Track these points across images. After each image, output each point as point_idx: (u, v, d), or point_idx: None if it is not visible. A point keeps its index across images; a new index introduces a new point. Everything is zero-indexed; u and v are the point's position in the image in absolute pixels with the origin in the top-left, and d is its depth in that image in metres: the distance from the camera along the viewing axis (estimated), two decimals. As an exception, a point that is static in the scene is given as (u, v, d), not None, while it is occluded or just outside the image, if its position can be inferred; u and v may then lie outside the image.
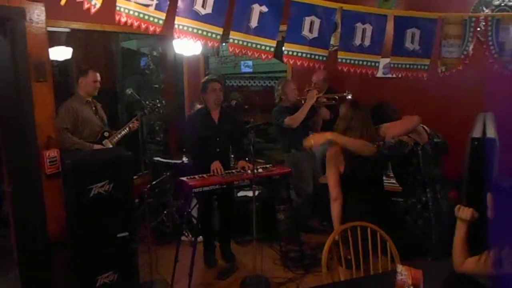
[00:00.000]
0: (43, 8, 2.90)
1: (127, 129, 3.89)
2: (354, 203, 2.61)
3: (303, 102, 4.00)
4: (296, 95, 4.10)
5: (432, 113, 4.31)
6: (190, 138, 3.81)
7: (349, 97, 3.90)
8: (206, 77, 3.93)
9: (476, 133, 2.99)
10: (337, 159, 2.57)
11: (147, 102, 4.00)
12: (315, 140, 2.66)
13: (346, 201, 2.62)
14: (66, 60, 4.65)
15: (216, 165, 3.53)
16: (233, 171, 3.59)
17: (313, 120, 4.11)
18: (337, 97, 3.96)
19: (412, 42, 2.61)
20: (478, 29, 2.69)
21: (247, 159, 3.74)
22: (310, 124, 4.13)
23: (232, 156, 4.10)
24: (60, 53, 4.51)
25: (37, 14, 2.87)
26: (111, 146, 3.75)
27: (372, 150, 2.53)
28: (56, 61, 4.56)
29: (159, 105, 4.03)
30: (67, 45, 4.55)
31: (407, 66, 2.67)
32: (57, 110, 3.39)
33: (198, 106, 4.50)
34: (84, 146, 3.54)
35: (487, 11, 3.91)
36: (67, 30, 3.95)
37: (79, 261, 2.79)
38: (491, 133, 2.94)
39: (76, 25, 3.80)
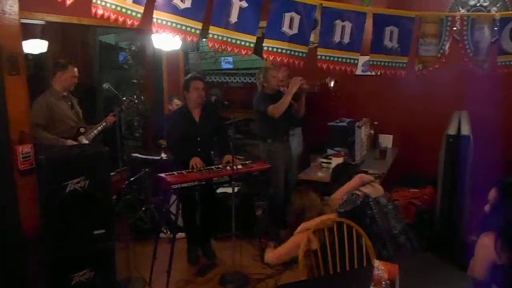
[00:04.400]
0: (16, -1, 2.82)
1: (103, 124, 3.82)
2: None
3: (285, 89, 3.93)
4: (278, 81, 4.04)
5: (408, 110, 4.41)
6: (170, 137, 3.75)
7: (332, 83, 3.82)
8: (189, 75, 3.86)
9: (451, 130, 3.06)
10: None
11: (124, 98, 3.94)
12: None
13: None
14: (41, 54, 4.54)
15: (195, 160, 3.51)
16: (213, 167, 3.57)
17: (295, 108, 4.03)
18: (319, 83, 3.89)
19: (390, 39, 2.64)
20: (454, 28, 2.74)
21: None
22: (293, 111, 4.04)
23: (212, 152, 4.08)
24: (35, 46, 4.39)
25: (10, 5, 2.79)
26: (87, 142, 3.68)
27: (334, 218, 2.50)
28: (31, 54, 4.44)
29: (136, 100, 3.98)
30: (42, 38, 4.44)
31: (386, 63, 2.71)
32: (31, 104, 3.30)
33: (176, 101, 4.45)
34: (56, 142, 3.46)
35: (463, 11, 3.99)
36: (42, 22, 3.84)
37: (54, 259, 2.73)
38: (466, 130, 3.01)
39: (52, 18, 3.69)
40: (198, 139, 3.68)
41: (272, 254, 2.61)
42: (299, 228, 2.55)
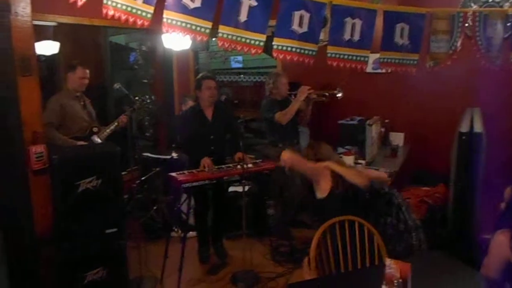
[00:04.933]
0: (29, 1, 2.84)
1: (116, 124, 3.85)
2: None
3: (293, 96, 3.99)
4: (287, 89, 4.08)
5: (419, 108, 4.37)
6: (183, 136, 3.76)
7: (339, 95, 3.89)
8: (201, 74, 3.88)
9: (464, 127, 3.03)
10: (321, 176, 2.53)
11: (136, 98, 3.96)
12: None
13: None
14: (53, 55, 4.59)
15: (205, 161, 3.52)
16: (223, 166, 3.58)
17: (301, 115, 4.09)
18: (327, 94, 3.95)
19: (401, 37, 2.63)
20: (466, 24, 2.71)
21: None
22: (298, 119, 4.11)
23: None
24: (47, 47, 4.44)
25: (23, 7, 2.82)
26: (100, 141, 3.71)
27: (366, 181, 2.50)
28: (43, 55, 4.49)
29: (148, 100, 4.00)
30: (54, 39, 4.48)
31: (396, 61, 2.69)
32: (45, 104, 3.34)
33: (189, 101, 4.47)
34: (67, 143, 3.49)
35: (475, 6, 3.94)
36: (54, 24, 3.89)
37: (67, 258, 2.76)
38: (478, 127, 2.98)
39: (63, 19, 3.74)
40: (211, 137, 3.69)
41: (291, 155, 2.64)
42: (325, 163, 2.58)
